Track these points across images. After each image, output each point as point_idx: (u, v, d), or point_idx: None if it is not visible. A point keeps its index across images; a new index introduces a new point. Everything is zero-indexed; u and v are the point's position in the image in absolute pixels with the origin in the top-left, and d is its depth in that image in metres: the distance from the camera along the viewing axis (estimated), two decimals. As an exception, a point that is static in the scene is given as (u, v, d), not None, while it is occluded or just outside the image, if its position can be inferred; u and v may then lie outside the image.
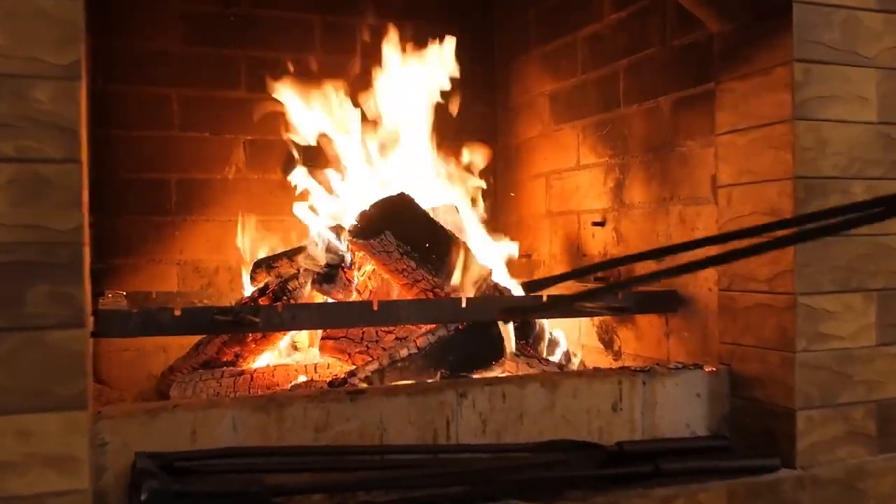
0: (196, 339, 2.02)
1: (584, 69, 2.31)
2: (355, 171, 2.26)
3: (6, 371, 1.13)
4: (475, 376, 1.80)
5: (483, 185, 2.33)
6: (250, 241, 2.40)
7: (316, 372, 1.93)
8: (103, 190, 2.31)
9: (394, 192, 1.97)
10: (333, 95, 2.25)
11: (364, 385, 1.70)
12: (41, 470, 1.14)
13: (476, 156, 2.36)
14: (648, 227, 2.04)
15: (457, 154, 2.35)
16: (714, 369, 1.72)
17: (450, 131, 2.33)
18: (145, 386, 2.19)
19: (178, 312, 1.50)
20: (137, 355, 2.35)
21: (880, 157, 1.64)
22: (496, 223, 2.44)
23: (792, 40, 1.57)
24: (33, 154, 1.14)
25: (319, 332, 1.97)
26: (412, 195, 1.97)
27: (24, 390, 1.14)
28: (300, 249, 2.07)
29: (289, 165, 2.39)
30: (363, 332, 1.91)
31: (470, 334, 1.84)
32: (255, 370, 1.93)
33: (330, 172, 2.29)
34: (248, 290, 2.15)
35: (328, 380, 1.79)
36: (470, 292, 1.88)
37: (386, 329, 1.91)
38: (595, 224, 2.24)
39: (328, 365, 1.96)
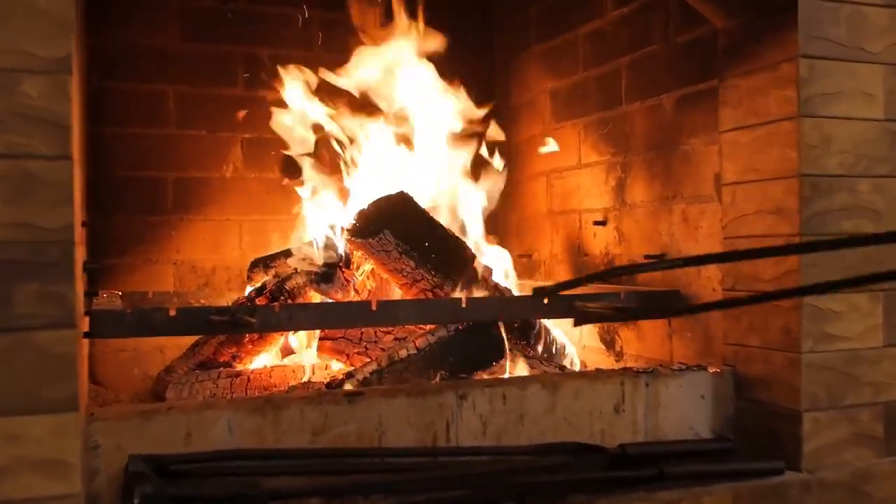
0: (193, 339, 2.00)
1: (586, 66, 2.29)
2: (356, 170, 2.24)
3: (-6, 372, 1.11)
4: (476, 377, 1.77)
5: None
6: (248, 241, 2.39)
7: (314, 373, 1.90)
8: (99, 188, 2.28)
9: (393, 191, 1.95)
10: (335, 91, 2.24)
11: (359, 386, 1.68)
12: (31, 474, 1.11)
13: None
14: (651, 226, 2.01)
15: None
16: (718, 370, 1.70)
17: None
18: (142, 387, 2.17)
19: (172, 312, 1.47)
20: (134, 356, 2.33)
21: (887, 155, 1.62)
22: (496, 222, 2.41)
23: (797, 36, 1.54)
24: (22, 150, 1.11)
25: (317, 333, 1.94)
26: (411, 194, 1.95)
27: (13, 392, 1.11)
28: (298, 249, 2.05)
29: (287, 164, 2.37)
30: (362, 333, 1.89)
31: (470, 335, 1.82)
32: (252, 371, 1.91)
33: (329, 172, 2.27)
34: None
35: (326, 381, 1.77)
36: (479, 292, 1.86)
37: (385, 329, 1.89)
38: (596, 223, 2.22)
39: (326, 366, 1.94)
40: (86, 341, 1.37)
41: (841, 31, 1.57)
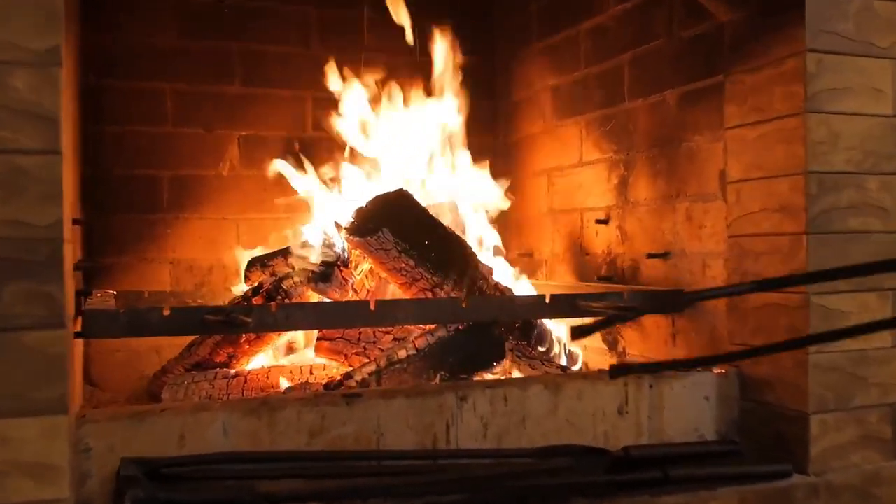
0: (189, 339, 1.97)
1: (588, 63, 2.26)
2: (355, 168, 2.22)
3: (-19, 374, 1.08)
4: (477, 378, 1.74)
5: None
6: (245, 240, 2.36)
7: (311, 374, 1.88)
8: (95, 187, 2.26)
9: (392, 188, 1.92)
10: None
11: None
12: (19, 478, 1.09)
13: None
14: (654, 224, 1.98)
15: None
16: (723, 371, 1.67)
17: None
18: (138, 387, 2.14)
19: (166, 312, 1.45)
20: (130, 356, 2.30)
21: (895, 152, 1.59)
22: (496, 221, 2.38)
23: (804, 30, 1.52)
24: (9, 144, 1.08)
25: (315, 333, 1.92)
26: (410, 191, 1.92)
27: (0, 394, 1.08)
28: (296, 247, 2.02)
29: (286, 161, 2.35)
30: (360, 333, 1.86)
31: (470, 335, 1.79)
32: (248, 372, 1.88)
33: (328, 169, 2.25)
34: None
35: (324, 382, 1.74)
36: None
37: (384, 329, 1.86)
38: (598, 222, 2.19)
39: (324, 367, 1.91)
40: (79, 342, 1.35)
41: (849, 25, 1.54)
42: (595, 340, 2.18)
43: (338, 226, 1.97)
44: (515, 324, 1.94)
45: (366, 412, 1.41)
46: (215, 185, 2.44)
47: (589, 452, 1.47)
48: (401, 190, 1.93)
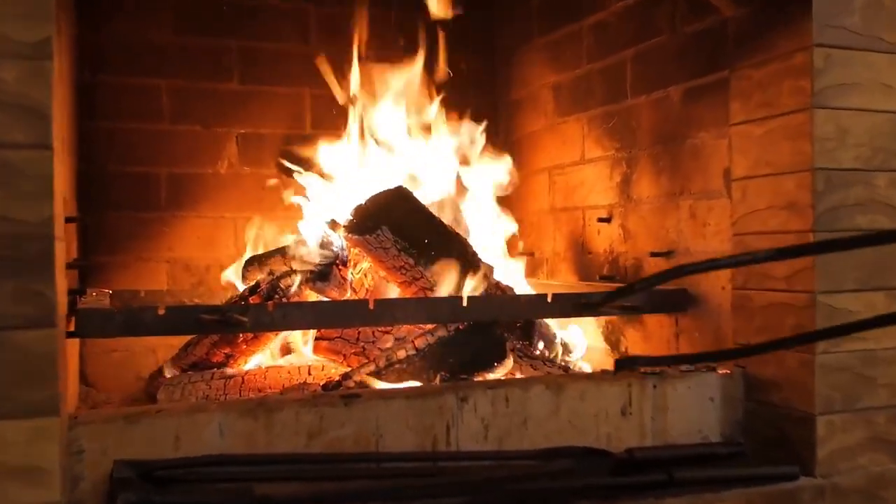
0: (186, 339, 1.95)
1: (590, 59, 2.24)
2: (354, 167, 2.19)
3: (-33, 374, 1.05)
4: (477, 378, 1.72)
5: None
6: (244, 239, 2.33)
7: (309, 374, 1.85)
8: (91, 184, 2.23)
9: (391, 186, 1.90)
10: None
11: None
12: (8, 481, 1.06)
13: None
14: (657, 222, 1.96)
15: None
16: (728, 372, 1.64)
17: (449, 125, 2.26)
18: (134, 388, 2.12)
19: (161, 311, 1.42)
20: (126, 356, 2.28)
21: (904, 149, 1.56)
22: (499, 219, 2.35)
23: (812, 24, 1.49)
24: (-3, 138, 1.05)
25: (313, 333, 1.89)
26: (409, 189, 1.90)
27: (-12, 395, 1.05)
28: (294, 246, 1.99)
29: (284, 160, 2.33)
30: (359, 333, 1.84)
31: (471, 335, 1.77)
32: (246, 372, 1.86)
33: (327, 169, 2.23)
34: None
35: (322, 382, 1.72)
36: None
37: (383, 329, 1.83)
38: (601, 220, 2.16)
39: (322, 367, 1.89)
40: (74, 341, 1.32)
41: (857, 19, 1.52)
42: (598, 341, 2.15)
43: (336, 224, 1.95)
44: (517, 323, 1.91)
45: (364, 413, 1.39)
46: (213, 183, 2.42)
47: (592, 454, 1.45)
48: (400, 188, 1.90)
